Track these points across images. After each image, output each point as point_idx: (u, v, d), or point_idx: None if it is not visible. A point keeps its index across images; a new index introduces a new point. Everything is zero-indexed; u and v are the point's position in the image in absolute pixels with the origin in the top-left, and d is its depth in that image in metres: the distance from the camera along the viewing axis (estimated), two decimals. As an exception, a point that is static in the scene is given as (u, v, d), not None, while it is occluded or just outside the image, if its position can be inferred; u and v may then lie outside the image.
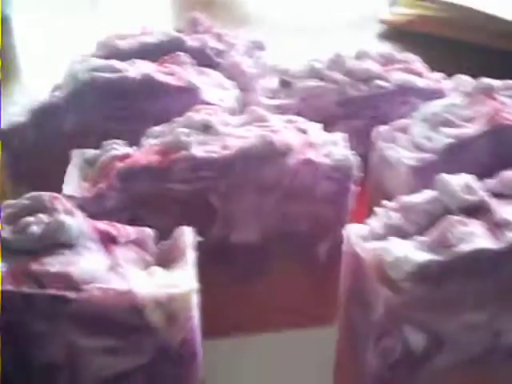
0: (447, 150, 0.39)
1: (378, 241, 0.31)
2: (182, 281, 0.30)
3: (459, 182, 0.32)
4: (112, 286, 0.29)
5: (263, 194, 0.38)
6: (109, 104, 0.44)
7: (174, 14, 0.96)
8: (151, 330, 0.29)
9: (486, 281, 0.31)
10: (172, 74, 0.46)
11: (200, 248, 0.33)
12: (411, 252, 0.29)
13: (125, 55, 0.49)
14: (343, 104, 0.48)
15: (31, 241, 0.29)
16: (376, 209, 0.34)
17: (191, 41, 0.53)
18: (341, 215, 0.39)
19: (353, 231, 0.33)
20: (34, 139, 0.43)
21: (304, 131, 0.40)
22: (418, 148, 0.41)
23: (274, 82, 0.51)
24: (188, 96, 0.45)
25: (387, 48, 0.88)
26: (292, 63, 0.52)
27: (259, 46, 0.58)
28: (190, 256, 0.32)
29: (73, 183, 0.37)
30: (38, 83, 0.46)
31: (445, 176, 0.33)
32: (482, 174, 0.35)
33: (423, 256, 0.29)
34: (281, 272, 0.40)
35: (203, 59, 0.52)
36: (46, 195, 0.31)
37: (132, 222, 0.34)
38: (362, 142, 0.44)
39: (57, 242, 0.30)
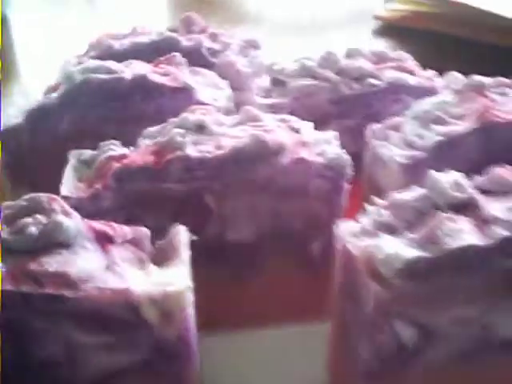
0: (437, 147, 0.40)
1: (368, 238, 0.32)
2: (176, 279, 0.30)
3: (448, 179, 0.33)
4: (109, 285, 0.29)
5: (257, 192, 0.38)
6: (104, 105, 0.44)
7: (171, 12, 0.96)
8: (147, 326, 0.30)
9: (474, 276, 0.31)
10: (167, 75, 0.46)
11: (196, 246, 0.33)
12: (401, 249, 0.30)
13: (119, 55, 0.50)
14: (336, 102, 0.48)
15: (29, 241, 0.30)
16: (367, 206, 0.34)
17: (186, 41, 0.54)
18: (334, 213, 0.39)
19: (344, 228, 0.33)
20: (30, 140, 0.44)
21: (297, 130, 0.40)
22: (410, 146, 0.41)
23: (268, 81, 0.51)
24: (183, 96, 0.45)
25: (382, 44, 0.88)
26: (288, 61, 0.52)
27: (254, 45, 0.58)
28: (185, 255, 0.32)
29: (70, 184, 0.38)
30: (36, 84, 0.47)
31: (434, 173, 0.33)
32: (472, 171, 0.35)
33: (412, 252, 0.30)
34: (275, 269, 0.41)
35: (198, 59, 0.52)
36: (43, 196, 0.32)
37: (128, 222, 0.34)
38: (355, 140, 0.44)
39: (54, 242, 0.30)
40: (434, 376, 0.34)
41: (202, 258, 0.33)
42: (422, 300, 0.31)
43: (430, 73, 0.52)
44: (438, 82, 0.50)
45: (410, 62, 0.52)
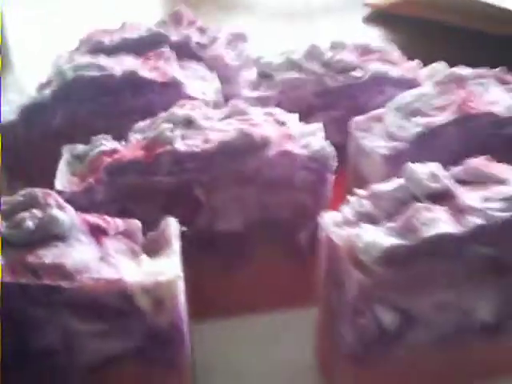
0: (418, 138, 0.41)
1: (350, 227, 0.33)
2: (168, 268, 0.32)
3: (425, 170, 0.34)
4: (103, 275, 0.31)
5: (244, 184, 0.39)
6: (95, 101, 0.45)
7: (163, 3, 0.96)
8: (140, 314, 0.31)
9: (451, 263, 0.33)
10: (156, 70, 0.47)
11: (186, 237, 0.35)
12: (380, 237, 0.31)
13: (109, 50, 0.51)
14: (321, 95, 0.49)
15: (27, 235, 0.31)
16: (349, 197, 0.36)
17: (174, 35, 0.55)
18: (319, 203, 0.40)
19: (328, 219, 0.35)
20: (25, 136, 0.45)
21: (282, 123, 0.41)
22: (391, 137, 0.42)
23: (255, 74, 0.52)
24: (172, 91, 0.46)
25: (372, 32, 0.89)
26: (279, 49, 0.53)
27: (242, 39, 0.59)
28: (176, 245, 0.33)
29: (63, 178, 0.39)
30: (30, 79, 0.47)
31: (411, 165, 0.35)
32: (451, 161, 0.37)
33: (391, 241, 0.31)
34: (264, 258, 0.42)
35: (187, 53, 0.53)
36: (39, 191, 0.33)
37: (120, 214, 0.35)
38: (340, 132, 0.45)
39: (50, 235, 0.31)
40: (415, 359, 0.36)
41: (193, 249, 0.35)
42: (401, 286, 0.32)
43: (413, 64, 0.53)
44: (421, 73, 0.51)
45: (394, 53, 0.53)
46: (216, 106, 0.46)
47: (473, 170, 0.35)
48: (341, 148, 0.42)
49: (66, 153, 0.41)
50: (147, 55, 0.50)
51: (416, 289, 0.33)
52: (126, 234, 0.34)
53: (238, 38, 0.59)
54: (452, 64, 0.49)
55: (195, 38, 0.55)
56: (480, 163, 0.36)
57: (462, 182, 0.35)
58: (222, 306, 0.42)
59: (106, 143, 0.40)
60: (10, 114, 0.45)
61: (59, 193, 0.36)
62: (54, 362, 0.33)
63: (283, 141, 0.39)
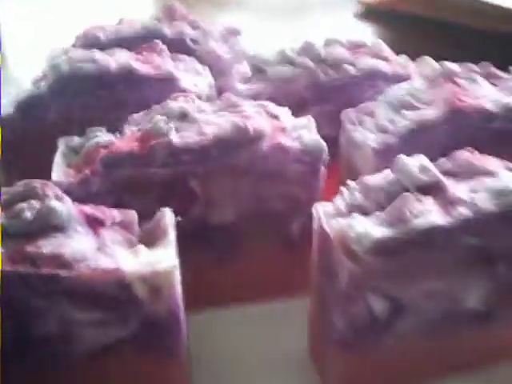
0: (408, 132, 0.42)
1: (342, 218, 0.34)
2: (164, 258, 0.32)
3: (415, 163, 0.35)
4: (101, 265, 0.31)
5: (238, 177, 0.40)
6: (90, 94, 0.46)
7: (154, 0, 0.96)
8: (138, 303, 0.32)
9: (440, 253, 0.33)
10: (150, 64, 0.48)
11: (182, 228, 0.35)
12: (371, 228, 0.32)
13: (104, 45, 0.51)
14: (313, 89, 0.50)
15: (25, 225, 0.32)
16: (341, 189, 0.36)
17: (168, 29, 0.55)
18: (312, 195, 0.41)
19: (321, 210, 0.35)
20: (21, 129, 0.45)
21: (275, 116, 0.42)
22: (382, 130, 0.43)
23: (248, 68, 0.53)
24: (166, 84, 0.47)
25: (365, 28, 0.89)
26: (272, 45, 0.54)
27: (234, 33, 0.60)
28: (171, 235, 0.34)
29: (59, 170, 0.39)
30: (24, 73, 0.48)
31: (402, 158, 0.35)
32: (441, 155, 0.38)
33: (382, 231, 0.32)
34: (258, 248, 0.43)
35: (180, 47, 0.54)
36: (37, 182, 0.33)
37: (116, 206, 0.36)
38: (332, 125, 0.46)
39: (49, 225, 0.32)
40: (405, 346, 0.37)
41: (187, 240, 0.35)
42: (392, 275, 0.33)
43: (404, 59, 0.54)
44: (411, 68, 0.52)
45: (385, 49, 0.54)
46: (209, 99, 0.47)
47: (462, 162, 0.36)
48: (333, 141, 0.43)
49: (62, 145, 0.41)
50: (140, 49, 0.50)
51: (406, 278, 0.34)
52: (123, 225, 0.35)
53: (230, 33, 0.60)
54: (442, 59, 0.50)
55: (188, 32, 0.56)
56: (469, 156, 0.37)
57: (452, 174, 0.36)
58: (216, 297, 0.43)
59: (102, 135, 0.41)
60: (6, 107, 0.45)
61: (56, 184, 0.36)
62: (52, 350, 0.33)
63: (276, 134, 0.40)
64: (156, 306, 0.32)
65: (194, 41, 0.55)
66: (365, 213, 0.34)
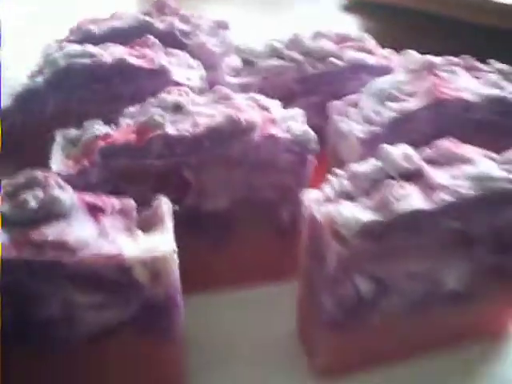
0: (392, 122, 0.44)
1: (331, 204, 0.36)
2: (163, 243, 0.34)
3: (399, 151, 0.37)
4: (103, 250, 0.33)
5: (231, 166, 0.41)
6: (86, 87, 0.47)
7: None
8: (138, 286, 0.33)
9: (422, 236, 0.35)
10: (143, 57, 0.49)
11: (176, 216, 0.37)
12: (358, 213, 0.34)
13: (97, 39, 0.52)
14: (301, 81, 0.51)
15: (30, 214, 0.33)
16: (329, 177, 0.38)
17: (159, 23, 0.56)
18: (301, 183, 0.43)
19: (310, 196, 0.37)
20: (19, 121, 0.46)
21: (266, 108, 0.44)
22: (367, 121, 0.45)
23: (237, 61, 0.54)
24: (159, 78, 0.48)
25: (350, 19, 0.91)
26: (259, 37, 0.55)
27: (223, 26, 0.61)
28: (169, 222, 0.35)
29: (58, 161, 0.41)
30: (19, 67, 0.49)
31: (386, 146, 0.37)
32: (423, 144, 0.39)
33: (368, 216, 0.34)
34: (249, 235, 0.44)
35: (171, 41, 0.55)
36: (39, 173, 0.35)
37: (113, 195, 0.37)
38: (320, 116, 0.48)
39: (52, 213, 0.33)
40: (390, 324, 0.39)
41: (181, 227, 0.36)
42: (377, 257, 0.35)
43: (388, 52, 0.55)
44: (395, 60, 0.54)
45: (370, 42, 0.56)
46: (200, 92, 0.48)
47: (442, 151, 0.38)
48: (320, 131, 0.44)
49: (60, 137, 0.42)
50: (133, 43, 0.51)
51: (391, 260, 0.36)
52: (122, 213, 0.36)
53: (219, 26, 0.61)
54: (427, 51, 0.52)
55: (179, 26, 0.57)
56: (449, 145, 0.39)
57: (433, 162, 0.38)
58: (209, 281, 0.44)
59: (99, 127, 0.42)
60: (3, 100, 0.46)
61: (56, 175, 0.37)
62: (55, 333, 0.35)
63: (267, 125, 0.42)
64: (155, 290, 0.34)
65: (184, 35, 0.56)
66: (352, 199, 0.36)
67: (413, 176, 0.36)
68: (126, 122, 0.42)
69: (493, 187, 0.35)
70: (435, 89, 0.45)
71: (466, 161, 0.38)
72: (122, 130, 0.41)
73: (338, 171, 0.38)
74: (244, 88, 0.50)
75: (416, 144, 0.39)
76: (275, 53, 0.53)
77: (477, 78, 0.49)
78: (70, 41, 0.52)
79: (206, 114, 0.42)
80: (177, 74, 0.49)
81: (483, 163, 0.37)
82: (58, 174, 0.38)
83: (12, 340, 0.34)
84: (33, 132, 0.46)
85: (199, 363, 0.41)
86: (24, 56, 0.50)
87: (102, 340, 0.35)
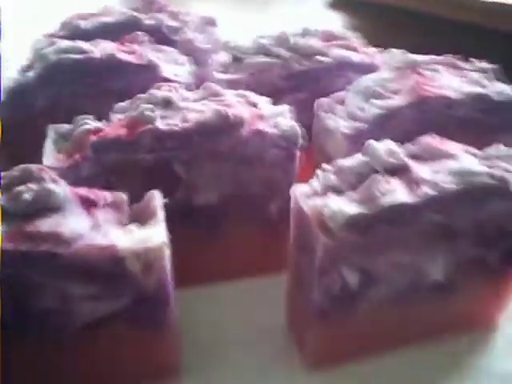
0: (376, 119, 0.45)
1: (318, 198, 0.37)
2: (155, 235, 0.34)
3: (383, 147, 0.38)
4: (96, 242, 0.33)
5: (220, 161, 0.42)
6: (76, 83, 0.48)
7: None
8: (131, 277, 0.34)
9: (406, 228, 0.36)
10: (133, 53, 0.50)
11: (166, 210, 0.37)
12: (345, 206, 0.35)
13: (86, 34, 0.53)
14: (288, 78, 0.52)
15: (24, 206, 0.34)
16: (317, 171, 0.39)
17: (147, 20, 0.57)
18: (288, 178, 0.44)
19: (298, 191, 0.38)
20: (9, 116, 0.46)
21: (254, 104, 0.45)
22: (353, 118, 0.46)
23: (225, 58, 0.55)
24: (148, 73, 0.49)
25: (335, 17, 0.91)
26: (245, 34, 0.56)
27: (211, 23, 0.62)
28: (160, 215, 0.36)
29: (50, 155, 0.41)
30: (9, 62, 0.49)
31: (372, 142, 0.38)
32: (406, 139, 0.40)
33: (354, 209, 0.35)
34: (238, 228, 0.45)
35: (159, 37, 0.56)
36: (33, 167, 0.35)
37: (104, 189, 0.38)
38: (306, 113, 0.48)
39: (46, 206, 0.34)
40: (378, 314, 0.40)
41: (172, 220, 0.37)
42: (363, 248, 0.36)
43: (372, 50, 0.57)
44: (379, 58, 0.55)
45: (356, 40, 0.57)
46: (189, 87, 0.49)
47: (426, 146, 0.39)
48: (307, 128, 0.45)
49: (51, 132, 0.43)
50: (123, 39, 0.52)
51: (376, 251, 0.37)
52: (114, 206, 0.37)
53: (207, 23, 0.62)
54: (410, 49, 0.53)
55: (167, 22, 0.58)
56: (432, 141, 0.40)
57: (417, 157, 0.39)
58: (199, 275, 0.45)
59: (89, 122, 0.43)
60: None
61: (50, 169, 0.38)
62: (50, 324, 0.35)
63: (255, 121, 0.43)
64: (147, 281, 0.35)
65: (173, 31, 0.57)
66: (339, 193, 0.37)
67: (397, 171, 0.37)
68: (116, 116, 0.43)
69: (474, 182, 0.36)
70: (418, 87, 0.46)
71: (448, 156, 0.39)
72: (114, 125, 0.42)
73: (326, 166, 0.39)
74: (232, 84, 0.51)
75: (400, 140, 0.40)
76: (262, 50, 0.54)
77: (459, 76, 0.50)
78: (59, 36, 0.52)
79: (195, 109, 0.43)
80: (165, 69, 0.50)
81: (465, 159, 0.38)
82: (52, 168, 0.39)
83: (10, 329, 0.34)
84: (23, 127, 0.47)
85: (191, 355, 0.41)
86: (13, 51, 0.50)
87: (96, 330, 0.36)
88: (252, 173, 0.43)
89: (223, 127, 0.41)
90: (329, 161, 0.40)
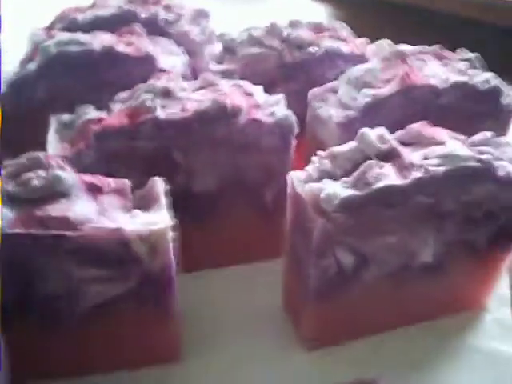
0: (366, 107, 0.46)
1: (313, 182, 0.38)
2: (159, 219, 0.36)
3: (375, 134, 0.40)
4: (103, 226, 0.35)
5: (218, 149, 0.44)
6: (76, 74, 0.49)
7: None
8: (137, 260, 0.36)
9: (397, 210, 0.38)
10: (131, 45, 0.51)
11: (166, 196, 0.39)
12: (338, 189, 0.37)
13: (83, 27, 0.54)
14: (281, 69, 0.53)
15: (34, 192, 0.35)
16: (312, 158, 0.41)
17: (143, 12, 0.58)
18: (284, 164, 0.45)
19: (295, 176, 0.40)
20: (12, 107, 0.47)
21: (250, 94, 0.46)
22: (344, 106, 0.47)
23: (219, 49, 0.56)
24: (146, 64, 0.50)
25: (321, 9, 0.92)
26: (236, 27, 0.57)
27: (204, 15, 0.63)
28: (163, 200, 0.38)
29: (54, 144, 0.42)
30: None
31: (364, 129, 0.40)
32: (396, 126, 0.42)
33: (347, 192, 0.36)
34: (236, 214, 0.47)
35: (154, 29, 0.57)
36: (41, 154, 0.37)
37: (107, 176, 0.39)
38: (299, 103, 0.49)
39: (55, 192, 0.35)
40: (371, 295, 0.41)
41: (172, 206, 0.38)
42: (357, 230, 0.38)
43: (362, 41, 0.58)
44: (368, 49, 0.57)
45: (345, 31, 0.58)
46: (185, 77, 0.50)
47: (414, 133, 0.41)
48: (300, 117, 0.47)
49: (54, 122, 0.44)
50: (120, 31, 0.53)
51: (369, 233, 0.39)
52: (118, 192, 0.38)
53: (200, 15, 0.63)
54: (397, 40, 0.54)
55: (162, 15, 0.59)
56: (420, 128, 0.41)
57: (406, 143, 0.40)
58: (198, 259, 0.46)
59: (91, 112, 0.44)
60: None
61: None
62: (59, 305, 0.37)
63: (251, 110, 0.44)
64: (153, 263, 0.36)
65: (168, 24, 0.58)
66: (333, 177, 0.39)
67: (388, 156, 0.39)
68: (117, 106, 0.44)
69: (461, 165, 0.38)
70: (406, 76, 0.47)
71: (435, 142, 0.40)
72: (115, 114, 0.43)
73: (321, 153, 0.40)
74: (226, 75, 0.52)
75: (390, 127, 0.41)
76: (255, 41, 0.55)
77: (446, 65, 0.52)
78: (56, 28, 0.53)
79: (193, 99, 0.44)
80: (163, 61, 0.51)
81: (451, 144, 0.40)
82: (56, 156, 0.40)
83: (17, 312, 0.36)
84: (24, 119, 0.48)
85: (190, 338, 0.42)
86: (13, 43, 0.51)
87: (103, 312, 0.37)
88: (248, 159, 0.45)
89: (221, 116, 0.43)
90: (322, 148, 0.42)
